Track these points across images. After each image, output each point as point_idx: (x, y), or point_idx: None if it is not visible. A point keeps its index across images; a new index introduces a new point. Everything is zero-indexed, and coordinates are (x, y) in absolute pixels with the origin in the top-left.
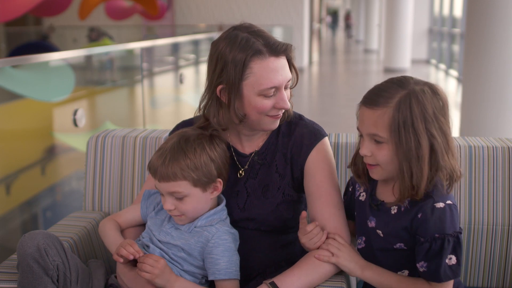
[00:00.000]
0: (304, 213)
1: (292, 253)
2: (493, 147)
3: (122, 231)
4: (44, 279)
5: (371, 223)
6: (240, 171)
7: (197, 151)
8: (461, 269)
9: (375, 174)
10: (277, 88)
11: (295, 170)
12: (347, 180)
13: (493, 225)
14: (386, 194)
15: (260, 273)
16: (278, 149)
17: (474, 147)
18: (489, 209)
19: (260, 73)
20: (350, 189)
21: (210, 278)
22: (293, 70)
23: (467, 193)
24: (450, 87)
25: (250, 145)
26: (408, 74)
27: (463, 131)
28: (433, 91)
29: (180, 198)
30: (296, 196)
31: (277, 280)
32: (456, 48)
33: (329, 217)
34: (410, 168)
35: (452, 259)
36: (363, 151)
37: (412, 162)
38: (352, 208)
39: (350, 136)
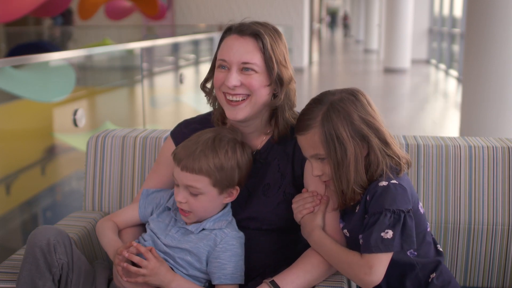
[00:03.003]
0: (305, 190)
1: (292, 254)
2: (493, 147)
3: (119, 231)
4: (45, 275)
5: (341, 225)
6: None
7: (228, 154)
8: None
9: (331, 186)
10: (228, 64)
11: (296, 168)
12: None
13: (493, 225)
14: None
15: (260, 273)
16: (280, 147)
17: (474, 147)
18: (489, 209)
19: (223, 46)
20: None
21: (215, 282)
22: (270, 62)
23: (467, 193)
24: (450, 87)
25: (251, 144)
26: (408, 74)
27: (463, 131)
28: (352, 94)
29: (195, 195)
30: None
31: (277, 279)
32: (456, 48)
33: (327, 216)
34: (339, 177)
35: (388, 233)
36: (315, 173)
37: (340, 170)
38: None
39: None
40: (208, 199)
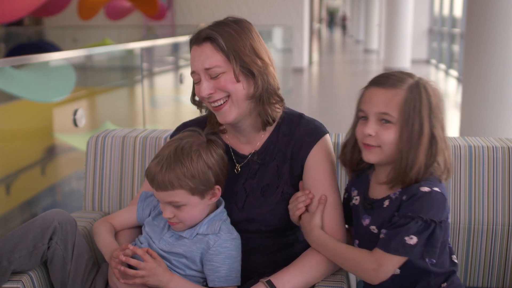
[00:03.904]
0: (301, 183)
1: (291, 255)
2: (493, 147)
3: (116, 233)
4: (29, 245)
5: (365, 221)
6: (237, 167)
7: (194, 159)
8: (458, 267)
9: (373, 155)
10: (197, 74)
11: (295, 168)
12: (347, 181)
13: (493, 225)
14: (378, 192)
15: (259, 274)
16: (278, 148)
17: (474, 147)
18: (489, 209)
19: (190, 60)
20: (345, 196)
21: (210, 284)
22: (230, 58)
23: (467, 193)
24: (450, 87)
25: (248, 145)
26: None
27: (463, 131)
28: (433, 88)
29: (178, 206)
30: None
31: (273, 278)
32: (456, 48)
33: (325, 216)
34: (408, 151)
35: (412, 239)
36: (368, 130)
37: (412, 146)
38: (349, 216)
39: None
40: (192, 207)
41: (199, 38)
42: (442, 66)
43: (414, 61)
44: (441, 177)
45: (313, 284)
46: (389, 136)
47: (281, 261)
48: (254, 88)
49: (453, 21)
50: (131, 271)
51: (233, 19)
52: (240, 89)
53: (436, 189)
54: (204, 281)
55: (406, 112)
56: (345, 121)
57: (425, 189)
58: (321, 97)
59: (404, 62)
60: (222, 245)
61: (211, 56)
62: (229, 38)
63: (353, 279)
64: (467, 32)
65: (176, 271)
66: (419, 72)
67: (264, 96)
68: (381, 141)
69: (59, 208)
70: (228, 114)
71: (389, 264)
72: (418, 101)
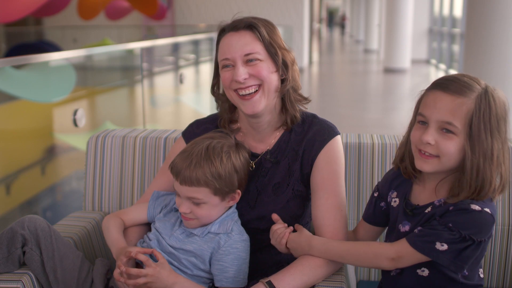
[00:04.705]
0: (274, 215)
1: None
2: None
3: (125, 229)
4: (3, 250)
5: (404, 228)
6: (252, 163)
7: (223, 161)
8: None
9: (429, 165)
10: (232, 61)
11: (305, 166)
12: (352, 181)
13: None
14: (422, 198)
15: (263, 274)
16: (290, 146)
17: None
18: None
19: (221, 47)
20: (375, 195)
21: (217, 284)
22: (271, 48)
23: None
24: None
25: (262, 144)
26: (408, 74)
27: None
28: (500, 96)
29: (197, 204)
30: (305, 192)
31: (273, 279)
32: (456, 48)
33: (329, 218)
34: (478, 165)
35: (443, 246)
36: (427, 138)
37: (487, 161)
38: (377, 216)
39: (350, 136)
40: (211, 206)
41: (238, 26)
42: (442, 66)
43: (414, 61)
44: (494, 195)
45: (312, 285)
46: (450, 147)
47: (284, 261)
48: (284, 82)
49: (453, 21)
50: (130, 282)
51: (259, 18)
52: (274, 79)
53: (487, 210)
54: (211, 282)
55: (475, 125)
56: (345, 121)
57: (476, 207)
58: (321, 97)
59: (404, 62)
60: (233, 246)
61: (252, 43)
62: (268, 30)
63: (353, 279)
64: (467, 32)
65: (184, 271)
66: (419, 72)
67: (290, 92)
68: (441, 151)
69: (60, 207)
70: (258, 104)
71: (408, 258)
72: (487, 113)
